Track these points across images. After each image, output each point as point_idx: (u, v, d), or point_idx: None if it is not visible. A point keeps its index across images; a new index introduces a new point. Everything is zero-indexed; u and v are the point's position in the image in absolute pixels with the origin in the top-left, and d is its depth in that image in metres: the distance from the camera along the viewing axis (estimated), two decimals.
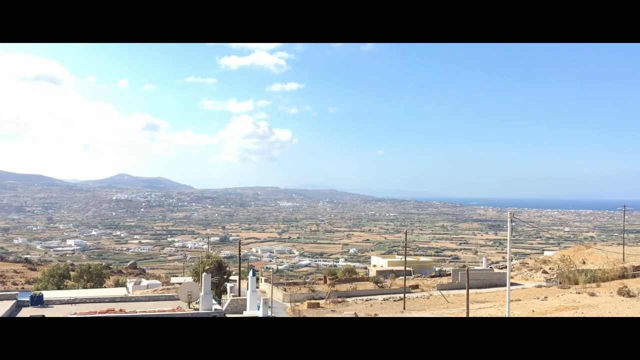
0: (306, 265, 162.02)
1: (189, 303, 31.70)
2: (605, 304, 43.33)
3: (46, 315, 27.39)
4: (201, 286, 31.37)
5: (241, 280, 54.88)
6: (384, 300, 56.99)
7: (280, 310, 52.66)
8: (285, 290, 61.53)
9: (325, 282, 68.74)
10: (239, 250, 58.23)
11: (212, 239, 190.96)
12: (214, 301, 32.74)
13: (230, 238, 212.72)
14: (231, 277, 58.86)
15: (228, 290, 50.92)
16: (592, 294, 49.89)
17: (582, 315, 38.82)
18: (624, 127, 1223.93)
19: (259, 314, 39.85)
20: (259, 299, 42.60)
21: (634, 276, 62.98)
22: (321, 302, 55.96)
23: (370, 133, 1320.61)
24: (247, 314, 42.37)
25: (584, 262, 72.50)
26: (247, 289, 44.79)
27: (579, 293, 51.77)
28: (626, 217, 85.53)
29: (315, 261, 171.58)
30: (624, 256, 70.91)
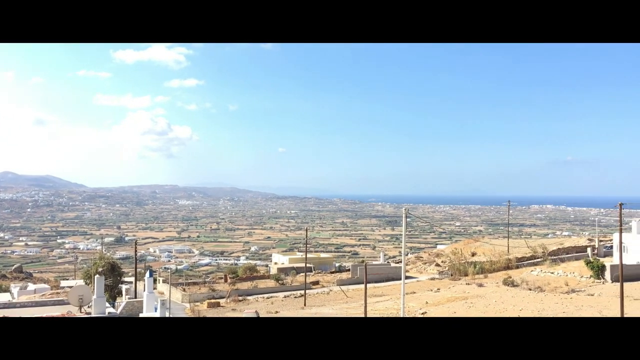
0: (207, 265, 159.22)
1: (81, 307, 30.17)
2: (492, 293, 46.13)
3: None
4: (93, 289, 29.93)
5: (138, 282, 52.97)
6: (285, 297, 57.23)
7: (179, 311, 51.42)
8: (184, 290, 60.17)
9: (226, 280, 67.94)
10: (135, 251, 56.24)
11: (107, 239, 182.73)
12: (107, 304, 31.35)
13: (127, 238, 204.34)
14: (127, 279, 56.67)
15: (123, 293, 48.99)
16: (481, 285, 52.95)
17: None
18: (511, 128, 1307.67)
19: (156, 315, 38.65)
20: (156, 301, 41.31)
21: (517, 267, 67.53)
22: (222, 301, 55.27)
23: (271, 130, 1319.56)
24: (143, 316, 40.93)
25: (473, 255, 76.76)
26: (144, 291, 43.28)
27: (469, 284, 54.75)
28: (510, 211, 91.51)
29: (216, 260, 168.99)
30: (508, 248, 75.80)
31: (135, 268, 55.27)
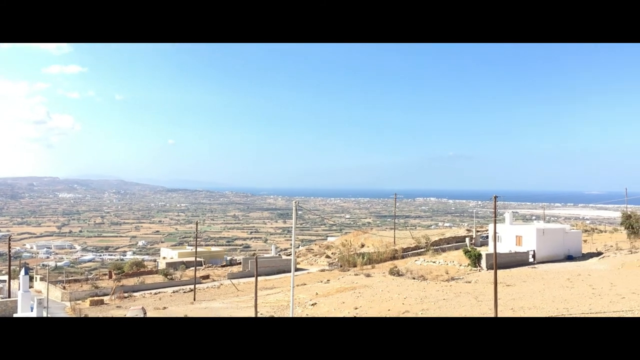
0: (90, 261, 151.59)
1: None
2: (379, 283, 47.76)
3: None
4: None
5: (12, 280, 49.35)
6: (173, 292, 55.87)
7: (59, 310, 48.59)
8: (64, 288, 56.93)
9: (110, 277, 65.12)
10: (9, 247, 52.21)
11: None
12: None
13: (0, 234, 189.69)
14: (0, 277, 52.61)
15: None
16: (368, 275, 54.65)
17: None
18: (396, 124, 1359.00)
19: (33, 315, 36.22)
20: (32, 300, 38.71)
21: (403, 257, 70.48)
22: (106, 298, 52.93)
23: (161, 122, 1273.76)
24: (18, 316, 38.18)
25: (362, 246, 79.08)
26: (19, 290, 40.40)
27: (357, 275, 56.32)
28: (397, 204, 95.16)
29: (100, 255, 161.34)
30: (394, 239, 78.83)
31: (9, 265, 51.41)
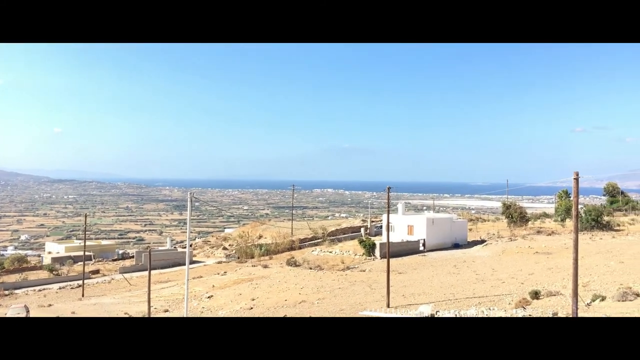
0: None
1: None
2: (276, 274, 48.01)
3: None
4: None
5: None
6: (60, 288, 52.95)
7: None
8: None
9: None
10: None
11: None
12: None
13: None
14: None
15: None
16: (266, 266, 54.77)
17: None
18: (289, 116, 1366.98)
19: None
20: None
21: (300, 247, 71.22)
22: None
23: (45, 109, 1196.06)
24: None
25: (260, 237, 78.97)
26: None
27: (255, 266, 56.27)
28: (295, 195, 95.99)
29: None
30: (292, 230, 79.47)
31: None
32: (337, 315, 29.00)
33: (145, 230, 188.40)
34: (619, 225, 65.91)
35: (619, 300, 23.70)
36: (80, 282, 51.46)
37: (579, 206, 25.05)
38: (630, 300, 23.43)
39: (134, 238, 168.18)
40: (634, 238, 52.39)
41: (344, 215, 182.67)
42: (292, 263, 53.94)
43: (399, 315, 20.00)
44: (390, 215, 38.91)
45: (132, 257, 71.07)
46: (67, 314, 37.91)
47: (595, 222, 62.62)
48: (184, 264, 50.20)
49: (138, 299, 43.77)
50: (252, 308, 34.83)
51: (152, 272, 40.18)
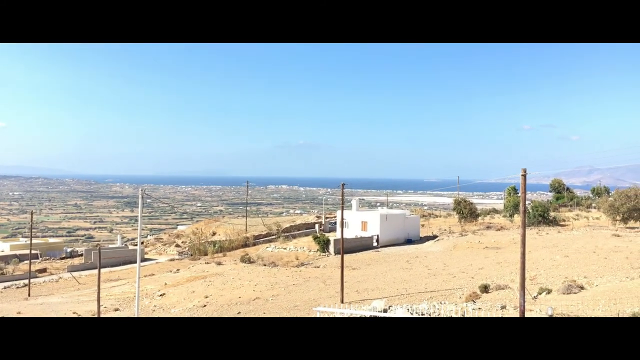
0: None
1: None
2: (230, 271, 47.63)
3: None
4: None
5: None
6: (4, 288, 51.08)
7: None
8: None
9: None
10: None
11: None
12: None
13: None
14: None
15: None
16: (219, 263, 54.26)
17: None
18: (244, 113, 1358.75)
19: None
20: None
21: (254, 244, 70.88)
22: None
23: None
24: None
25: (214, 234, 78.21)
26: None
27: (208, 263, 55.68)
28: (249, 191, 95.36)
29: None
30: (246, 227, 79.00)
31: None
32: (292, 311, 29.01)
33: (95, 228, 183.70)
34: (564, 220, 68.24)
35: (564, 293, 24.55)
36: (27, 281, 49.83)
37: (527, 202, 25.79)
38: (575, 293, 24.31)
39: (83, 236, 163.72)
40: (579, 233, 54.31)
41: (298, 211, 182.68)
42: (246, 260, 53.63)
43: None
44: (344, 211, 39.16)
45: (81, 255, 69.20)
46: (12, 314, 36.64)
47: (542, 217, 64.64)
48: (136, 262, 49.30)
49: (87, 298, 42.70)
50: (205, 306, 34.46)
51: (102, 270, 39.25)
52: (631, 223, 59.18)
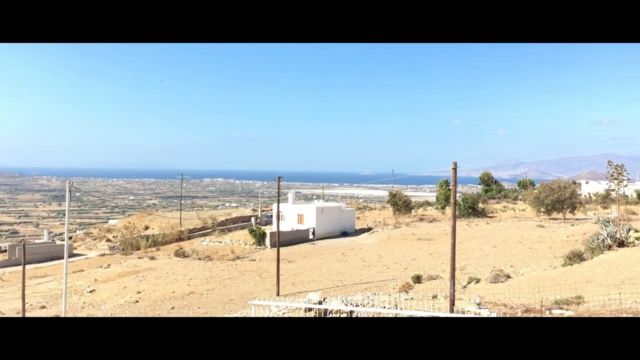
0: None
1: None
2: (164, 265, 46.74)
3: None
4: None
5: None
6: None
7: None
8: None
9: None
10: None
11: None
12: None
13: None
14: None
15: None
16: (153, 258, 53.10)
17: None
18: (179, 106, 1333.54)
19: None
20: None
21: (189, 238, 69.75)
22: None
23: None
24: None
25: (147, 228, 76.39)
26: None
27: (141, 258, 54.37)
28: (184, 185, 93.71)
29: None
30: (180, 220, 77.65)
31: None
32: (227, 305, 28.79)
33: (20, 223, 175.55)
34: (492, 212, 70.88)
35: (491, 282, 25.53)
36: None
37: (457, 194, 26.60)
38: (502, 282, 25.32)
39: (6, 231, 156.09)
40: (506, 224, 56.56)
41: (234, 204, 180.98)
42: (181, 254, 52.76)
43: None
44: (280, 204, 39.13)
45: (5, 251, 65.99)
46: None
47: (472, 209, 66.89)
48: (63, 258, 47.52)
49: (11, 296, 40.81)
50: (137, 301, 33.66)
51: (28, 266, 37.61)
52: (554, 214, 62.14)
